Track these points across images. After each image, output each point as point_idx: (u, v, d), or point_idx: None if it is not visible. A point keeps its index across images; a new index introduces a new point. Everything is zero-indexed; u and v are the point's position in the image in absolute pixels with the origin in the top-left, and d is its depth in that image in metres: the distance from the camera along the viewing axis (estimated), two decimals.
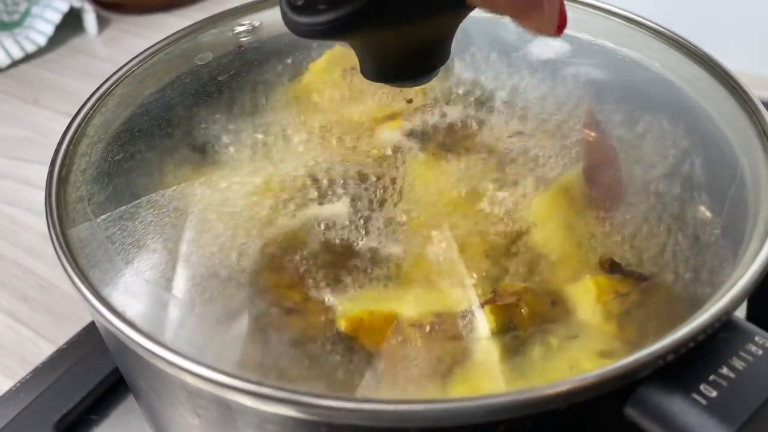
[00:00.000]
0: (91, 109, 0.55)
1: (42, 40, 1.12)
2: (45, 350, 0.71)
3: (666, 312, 0.44)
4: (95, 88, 0.59)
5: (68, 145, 0.53)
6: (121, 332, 0.35)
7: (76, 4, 1.15)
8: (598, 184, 0.52)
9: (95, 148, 0.56)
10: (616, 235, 0.49)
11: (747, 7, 0.90)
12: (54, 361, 0.68)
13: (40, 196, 0.91)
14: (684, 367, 0.33)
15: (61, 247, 0.41)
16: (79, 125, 0.54)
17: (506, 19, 0.41)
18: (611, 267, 0.45)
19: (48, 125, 1.00)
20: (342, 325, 0.43)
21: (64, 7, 1.13)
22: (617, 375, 0.33)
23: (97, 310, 0.37)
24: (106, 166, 0.55)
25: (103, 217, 0.51)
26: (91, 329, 0.71)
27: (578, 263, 0.48)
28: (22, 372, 0.67)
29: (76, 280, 0.39)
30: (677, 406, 0.32)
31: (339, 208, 0.52)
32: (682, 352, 0.34)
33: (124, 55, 1.18)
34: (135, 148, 0.57)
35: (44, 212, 0.86)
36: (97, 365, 0.68)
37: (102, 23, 1.20)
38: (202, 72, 0.64)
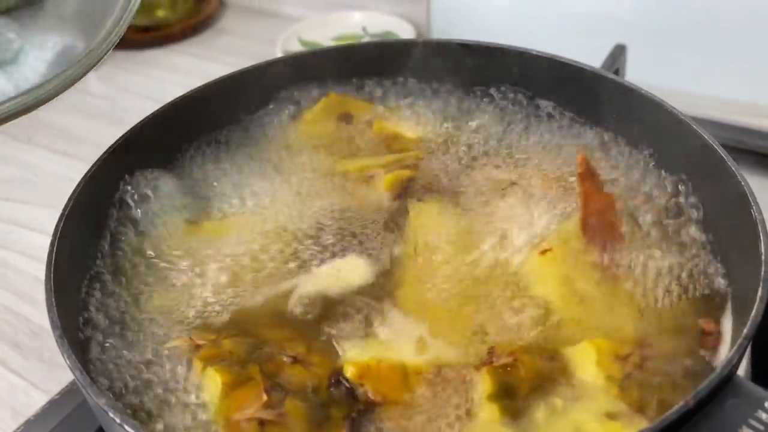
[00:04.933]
0: None
1: (36, 77, 1.11)
2: (37, 400, 0.69)
3: (667, 374, 0.44)
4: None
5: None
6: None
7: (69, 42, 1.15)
8: (596, 233, 0.51)
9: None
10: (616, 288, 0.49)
11: (741, 39, 0.91)
12: (46, 412, 0.67)
13: (33, 237, 0.92)
14: None
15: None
16: None
17: None
18: None
19: (42, 165, 0.99)
20: (349, 371, 0.43)
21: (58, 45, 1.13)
22: None
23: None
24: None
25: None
26: None
27: (578, 319, 0.47)
28: (13, 424, 0.66)
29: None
30: None
31: (338, 261, 0.52)
32: (689, 422, 0.33)
33: (120, 92, 1.19)
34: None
35: (38, 255, 0.85)
36: (91, 417, 0.66)
37: None
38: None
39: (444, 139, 0.62)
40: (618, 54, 0.89)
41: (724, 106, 0.89)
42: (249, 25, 1.32)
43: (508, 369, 0.43)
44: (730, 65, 0.91)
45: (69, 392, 0.69)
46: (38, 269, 0.83)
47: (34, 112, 1.10)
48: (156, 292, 0.50)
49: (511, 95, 0.62)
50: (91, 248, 0.51)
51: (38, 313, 0.79)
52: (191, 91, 0.59)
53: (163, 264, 0.52)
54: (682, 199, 0.53)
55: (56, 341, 0.38)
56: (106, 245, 0.53)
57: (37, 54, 1.09)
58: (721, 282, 0.48)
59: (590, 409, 0.41)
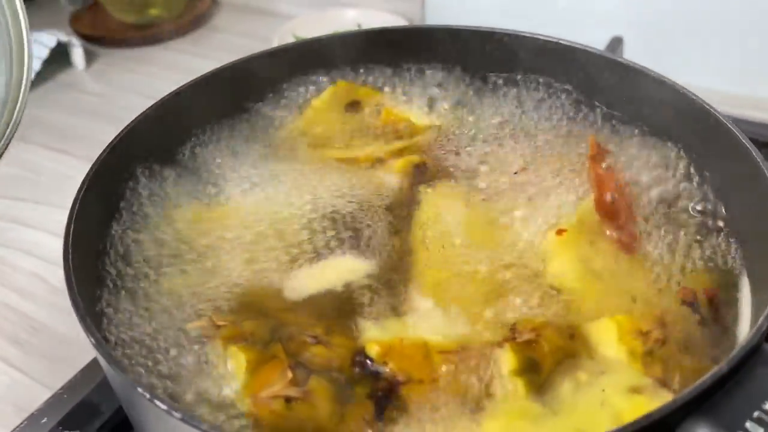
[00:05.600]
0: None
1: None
2: (40, 396, 0.68)
3: (687, 349, 0.44)
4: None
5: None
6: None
7: (63, 39, 1.14)
8: (611, 213, 0.51)
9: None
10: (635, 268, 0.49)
11: (725, 26, 0.92)
12: (49, 407, 0.66)
13: (31, 235, 0.90)
14: (725, 405, 0.33)
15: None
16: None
17: None
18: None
19: (37, 162, 0.98)
20: (373, 350, 0.43)
21: (52, 42, 1.12)
22: (658, 419, 0.32)
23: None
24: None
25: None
26: (87, 372, 0.68)
27: (596, 297, 0.47)
28: (16, 419, 0.65)
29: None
30: None
31: (355, 248, 0.51)
32: (722, 390, 0.33)
33: (114, 89, 1.18)
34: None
35: (36, 252, 0.84)
36: (94, 410, 0.65)
37: (89, 58, 1.19)
38: None
39: (454, 125, 0.62)
40: (615, 46, 0.90)
41: (721, 98, 0.90)
42: (242, 22, 1.31)
43: (532, 344, 0.43)
44: (727, 57, 0.92)
45: (72, 386, 0.68)
46: (37, 266, 0.83)
47: (29, 110, 1.09)
48: (169, 276, 0.49)
49: (521, 81, 0.63)
50: (104, 232, 0.51)
51: (38, 310, 0.78)
52: (198, 77, 0.59)
53: (176, 248, 0.52)
54: (695, 178, 0.53)
55: (79, 321, 0.38)
56: (119, 229, 0.52)
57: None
58: (735, 256, 0.49)
59: (615, 383, 0.41)
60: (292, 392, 0.39)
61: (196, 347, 0.44)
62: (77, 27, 1.25)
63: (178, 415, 0.31)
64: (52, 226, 0.88)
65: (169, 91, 0.58)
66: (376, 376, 0.42)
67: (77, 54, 1.16)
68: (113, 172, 0.51)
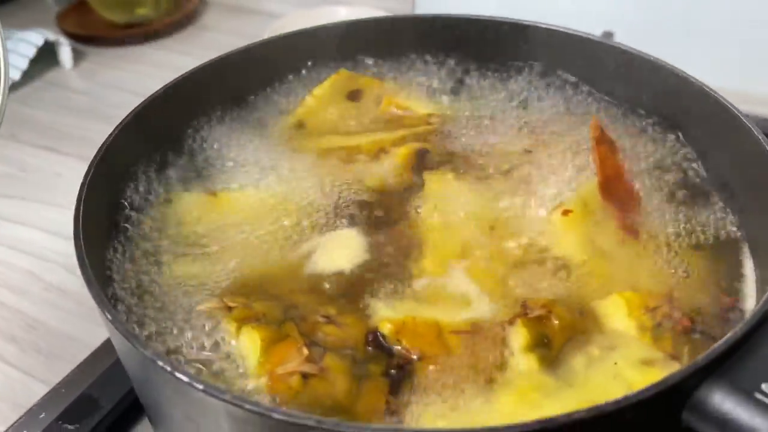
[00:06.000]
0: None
1: (17, 75, 1.09)
2: (37, 392, 0.67)
3: (696, 323, 0.45)
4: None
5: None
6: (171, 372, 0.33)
7: (51, 38, 1.13)
8: (614, 195, 0.52)
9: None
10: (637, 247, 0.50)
11: (731, 25, 0.93)
12: (47, 401, 0.65)
13: (21, 232, 0.89)
14: (741, 368, 0.33)
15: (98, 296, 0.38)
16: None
17: None
18: None
19: (27, 160, 0.97)
20: (386, 328, 0.43)
21: (39, 41, 1.11)
22: (675, 383, 0.33)
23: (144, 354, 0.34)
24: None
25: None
26: (85, 366, 0.68)
27: (604, 276, 0.48)
28: (13, 416, 0.64)
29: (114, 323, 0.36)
30: (740, 408, 0.32)
31: (361, 234, 0.52)
32: (737, 354, 0.34)
33: (102, 87, 1.17)
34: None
35: (28, 249, 0.83)
36: (94, 404, 0.64)
37: (78, 56, 1.18)
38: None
39: (455, 113, 0.62)
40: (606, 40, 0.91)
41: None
42: (231, 21, 1.31)
43: (543, 320, 0.43)
44: (719, 52, 0.93)
45: (70, 381, 0.67)
46: (29, 263, 0.82)
47: (17, 108, 1.08)
48: (178, 261, 0.49)
49: (521, 69, 0.63)
50: (112, 218, 0.50)
51: (32, 306, 0.77)
52: (202, 65, 0.58)
53: (182, 235, 0.51)
54: (695, 159, 0.54)
55: (94, 299, 0.37)
56: (128, 214, 0.52)
57: (19, 49, 1.07)
58: (736, 232, 0.49)
59: (627, 357, 0.41)
60: (309, 368, 0.39)
61: (207, 329, 0.43)
62: (64, 26, 1.23)
63: (200, 386, 0.31)
64: (42, 223, 0.87)
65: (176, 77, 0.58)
66: (390, 353, 0.42)
67: (65, 53, 1.15)
68: (119, 158, 0.51)
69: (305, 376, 0.38)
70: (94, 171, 0.46)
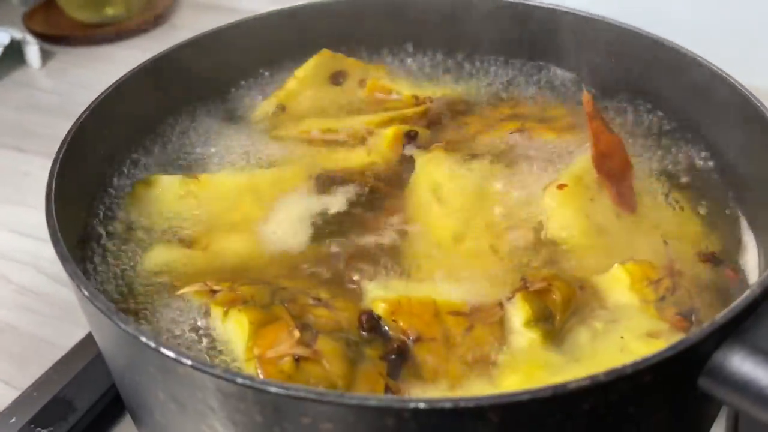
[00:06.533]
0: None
1: None
2: (7, 396, 0.64)
3: (699, 295, 0.43)
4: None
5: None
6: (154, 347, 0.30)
7: (17, 36, 1.10)
8: (608, 169, 0.51)
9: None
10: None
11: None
12: (18, 405, 0.62)
13: None
14: (759, 328, 0.32)
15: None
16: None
17: None
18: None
19: None
20: (380, 308, 0.40)
21: (5, 39, 1.08)
22: (692, 345, 0.31)
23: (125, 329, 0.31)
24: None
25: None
26: (58, 368, 0.64)
27: (602, 251, 0.46)
28: None
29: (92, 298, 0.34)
30: (760, 369, 0.30)
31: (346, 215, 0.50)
32: (754, 314, 0.32)
33: (72, 87, 1.14)
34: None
35: None
36: (68, 407, 0.61)
37: (46, 56, 1.14)
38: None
39: (443, 95, 0.61)
40: None
41: None
42: (203, 20, 1.28)
43: (543, 294, 0.41)
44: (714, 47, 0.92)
45: (42, 384, 0.64)
46: (0, 265, 0.78)
47: None
48: (157, 247, 0.46)
49: (510, 50, 0.62)
50: (86, 206, 0.48)
51: (2, 310, 0.74)
52: (177, 44, 0.56)
53: (163, 218, 0.49)
54: (690, 132, 0.53)
55: (70, 276, 0.34)
56: (105, 200, 0.49)
57: None
58: (734, 202, 0.48)
59: (632, 329, 0.40)
60: (301, 351, 0.36)
61: (191, 314, 0.41)
62: (31, 25, 1.20)
63: (187, 361, 0.28)
64: (11, 223, 0.83)
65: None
66: (385, 336, 0.40)
67: (32, 52, 1.12)
68: (89, 143, 0.48)
69: (297, 359, 0.36)
70: (66, 149, 0.43)
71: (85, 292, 0.32)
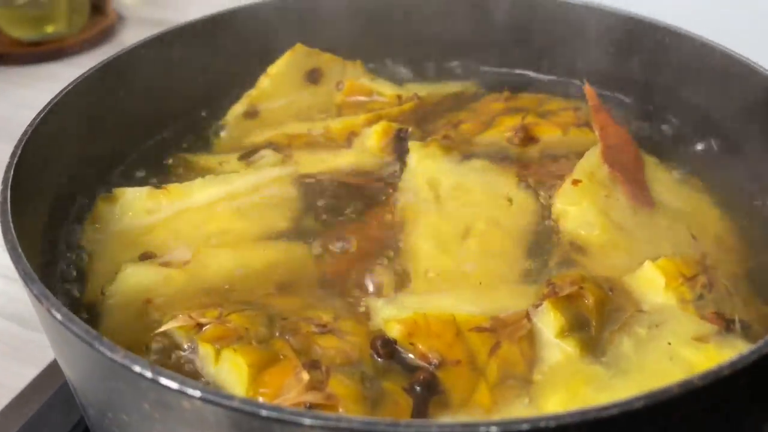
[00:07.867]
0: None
1: None
2: None
3: (736, 291, 0.40)
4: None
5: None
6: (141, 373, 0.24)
7: None
8: (618, 162, 0.47)
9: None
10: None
11: None
12: None
13: None
14: None
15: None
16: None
17: None
18: None
19: None
20: (394, 330, 0.35)
21: None
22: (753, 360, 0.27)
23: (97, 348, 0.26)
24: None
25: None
26: (7, 413, 0.57)
27: (625, 249, 0.43)
28: None
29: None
30: None
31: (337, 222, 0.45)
32: None
33: (11, 107, 1.05)
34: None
35: None
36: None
37: None
38: None
39: (429, 93, 0.56)
40: None
41: None
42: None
43: (574, 299, 0.37)
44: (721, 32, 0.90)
45: (14, 407, 0.57)
46: None
47: None
48: (131, 268, 0.40)
49: (497, 46, 0.58)
50: (45, 229, 0.41)
51: None
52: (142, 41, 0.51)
53: (132, 235, 0.43)
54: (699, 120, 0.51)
55: (38, 296, 0.28)
56: (65, 222, 0.43)
57: None
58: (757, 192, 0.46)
59: (677, 334, 0.36)
60: (313, 398, 0.31)
61: (176, 353, 0.35)
62: None
63: (196, 393, 0.22)
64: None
65: None
66: (404, 362, 0.35)
67: None
68: (37, 165, 0.42)
69: (309, 407, 0.30)
70: (14, 173, 0.37)
71: (57, 315, 0.26)
